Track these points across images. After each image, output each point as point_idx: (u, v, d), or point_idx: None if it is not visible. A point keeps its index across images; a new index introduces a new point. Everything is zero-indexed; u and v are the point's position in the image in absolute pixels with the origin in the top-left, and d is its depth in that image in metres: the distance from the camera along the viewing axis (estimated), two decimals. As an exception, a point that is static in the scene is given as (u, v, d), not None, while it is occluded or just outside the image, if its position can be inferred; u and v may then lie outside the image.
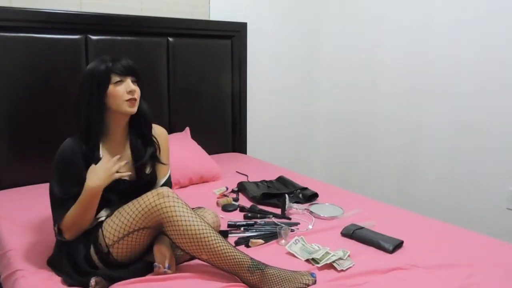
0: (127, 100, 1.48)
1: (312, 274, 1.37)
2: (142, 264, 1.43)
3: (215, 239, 1.36)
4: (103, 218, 1.47)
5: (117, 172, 1.45)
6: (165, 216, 1.37)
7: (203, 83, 2.84)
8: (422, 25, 2.80)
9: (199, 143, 2.66)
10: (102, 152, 1.51)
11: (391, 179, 3.10)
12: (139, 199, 1.42)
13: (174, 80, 2.70)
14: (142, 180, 1.58)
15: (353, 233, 1.70)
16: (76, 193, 1.40)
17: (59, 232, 1.43)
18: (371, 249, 1.61)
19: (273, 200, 2.09)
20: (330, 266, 1.47)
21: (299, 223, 1.86)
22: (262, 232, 1.74)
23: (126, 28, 2.49)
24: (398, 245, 1.62)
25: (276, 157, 3.24)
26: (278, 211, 1.97)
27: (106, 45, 2.40)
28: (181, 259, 1.49)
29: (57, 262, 1.44)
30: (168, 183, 1.68)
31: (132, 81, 1.50)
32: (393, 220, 1.88)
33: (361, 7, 3.20)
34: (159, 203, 1.38)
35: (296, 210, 1.98)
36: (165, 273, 1.37)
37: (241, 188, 2.26)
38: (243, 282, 1.36)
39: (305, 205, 2.05)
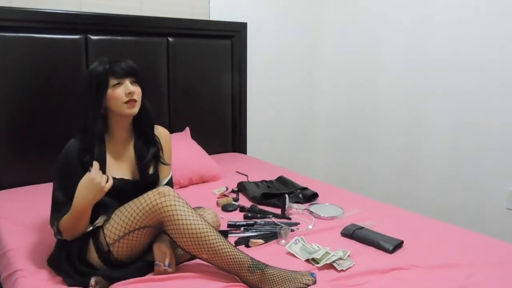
0: (126, 102, 1.48)
1: (312, 274, 1.37)
2: (142, 264, 1.43)
3: (215, 239, 1.36)
4: (99, 224, 1.46)
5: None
6: (166, 215, 1.37)
7: (203, 83, 2.84)
8: (422, 25, 2.80)
9: (199, 143, 2.66)
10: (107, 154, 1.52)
11: (391, 179, 3.10)
12: (140, 198, 1.42)
13: (174, 80, 2.70)
14: (145, 180, 1.58)
15: (353, 233, 1.70)
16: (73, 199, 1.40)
17: (58, 231, 1.43)
18: (371, 249, 1.61)
19: (273, 200, 2.09)
20: (330, 266, 1.47)
21: (299, 223, 1.86)
22: (262, 232, 1.74)
23: (126, 28, 2.48)
24: (398, 245, 1.62)
25: (276, 157, 3.24)
26: (278, 211, 1.97)
27: (106, 45, 2.40)
28: (182, 259, 1.49)
29: (57, 261, 1.44)
30: (169, 184, 1.69)
31: (132, 82, 1.50)
32: (393, 220, 1.88)
33: (361, 7, 3.20)
34: (160, 202, 1.38)
35: (296, 210, 1.98)
36: (165, 271, 1.37)
37: (241, 188, 2.26)
38: (243, 282, 1.36)
39: (305, 205, 2.05)
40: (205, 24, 2.80)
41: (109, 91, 1.47)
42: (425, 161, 2.87)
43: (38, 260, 1.50)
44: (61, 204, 1.42)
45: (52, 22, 2.25)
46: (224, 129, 3.02)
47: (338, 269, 1.45)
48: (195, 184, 2.38)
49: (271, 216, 1.93)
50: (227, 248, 1.36)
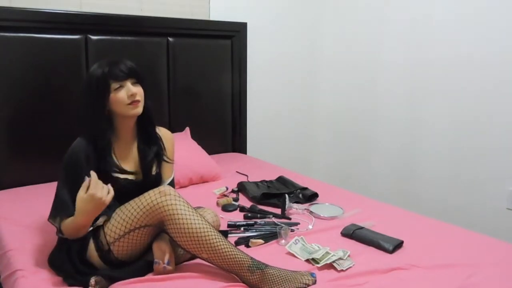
0: (129, 104, 1.48)
1: (312, 274, 1.38)
2: (142, 264, 1.43)
3: (215, 238, 1.36)
4: (100, 223, 1.46)
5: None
6: (167, 214, 1.37)
7: (203, 83, 2.83)
8: (422, 25, 2.80)
9: (199, 143, 2.66)
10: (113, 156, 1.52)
11: (391, 179, 3.10)
12: (141, 197, 1.42)
13: (174, 80, 2.70)
14: (148, 180, 1.59)
15: (353, 233, 1.70)
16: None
17: (59, 230, 1.43)
18: (371, 249, 1.61)
19: (273, 200, 2.09)
20: (330, 266, 1.47)
21: (299, 223, 1.86)
22: (262, 232, 1.74)
23: (126, 28, 2.48)
24: (398, 245, 1.62)
25: (276, 157, 3.24)
26: (278, 211, 1.97)
27: (106, 45, 2.40)
28: (182, 259, 1.49)
29: (58, 260, 1.44)
30: (171, 185, 1.71)
31: (133, 83, 1.51)
32: (393, 220, 1.88)
33: (361, 7, 3.20)
34: (160, 201, 1.38)
35: (296, 210, 1.98)
36: (164, 268, 1.37)
37: (241, 188, 2.26)
38: (243, 282, 1.36)
39: (305, 205, 2.05)
40: (205, 24, 2.80)
41: (112, 95, 1.48)
42: (425, 161, 2.87)
43: (38, 260, 1.50)
44: (64, 204, 1.41)
45: (52, 22, 2.25)
46: (224, 129, 3.02)
47: (338, 269, 1.45)
48: (195, 184, 2.38)
49: (271, 216, 1.93)
50: (227, 247, 1.36)
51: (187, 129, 2.73)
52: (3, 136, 2.19)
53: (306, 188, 2.22)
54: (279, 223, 1.82)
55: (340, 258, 1.49)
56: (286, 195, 1.99)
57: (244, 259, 1.36)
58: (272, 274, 1.34)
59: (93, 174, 1.35)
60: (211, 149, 2.78)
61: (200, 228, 1.36)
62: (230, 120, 3.03)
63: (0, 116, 2.17)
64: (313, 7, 3.39)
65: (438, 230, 1.80)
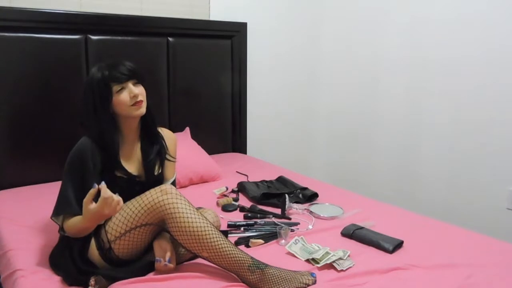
0: (132, 105, 1.49)
1: (312, 274, 1.38)
2: (143, 264, 1.43)
3: (216, 237, 1.37)
4: (101, 223, 1.46)
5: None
6: (168, 212, 1.37)
7: (203, 83, 2.83)
8: (422, 24, 2.80)
9: (199, 143, 2.66)
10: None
11: (391, 179, 3.10)
12: (142, 195, 1.43)
13: (174, 80, 2.70)
14: (151, 180, 1.59)
15: (353, 233, 1.70)
16: (81, 198, 1.39)
17: (62, 228, 1.44)
18: (371, 249, 1.61)
19: (273, 200, 2.09)
20: (330, 266, 1.47)
21: (299, 223, 1.86)
22: (262, 232, 1.74)
23: (126, 28, 2.48)
24: (398, 245, 1.62)
25: (276, 157, 3.24)
26: (278, 211, 1.97)
27: (106, 45, 2.40)
28: (183, 258, 1.49)
29: (58, 259, 1.44)
30: (173, 184, 1.72)
31: (134, 83, 1.51)
32: (393, 220, 1.88)
33: (361, 7, 3.20)
34: (162, 200, 1.38)
35: (296, 210, 1.98)
36: (165, 266, 1.37)
37: (241, 188, 2.26)
38: (243, 281, 1.36)
39: (305, 205, 2.05)
40: (205, 24, 2.80)
41: (114, 97, 1.48)
42: (425, 161, 2.87)
43: (38, 260, 1.50)
44: (68, 202, 1.42)
45: (52, 22, 2.25)
46: (224, 129, 3.02)
47: (338, 269, 1.45)
48: (195, 184, 2.38)
49: (271, 216, 1.93)
50: (227, 247, 1.36)
51: (187, 129, 2.73)
52: (3, 136, 2.19)
53: (306, 188, 2.22)
54: (279, 223, 1.82)
55: (340, 258, 1.49)
56: (286, 195, 1.99)
57: (245, 259, 1.36)
58: (272, 274, 1.34)
59: (103, 186, 1.31)
60: (211, 149, 2.78)
61: (201, 226, 1.36)
62: (230, 120, 3.03)
63: (0, 116, 2.17)
64: (313, 7, 3.39)
65: (438, 230, 1.80)
